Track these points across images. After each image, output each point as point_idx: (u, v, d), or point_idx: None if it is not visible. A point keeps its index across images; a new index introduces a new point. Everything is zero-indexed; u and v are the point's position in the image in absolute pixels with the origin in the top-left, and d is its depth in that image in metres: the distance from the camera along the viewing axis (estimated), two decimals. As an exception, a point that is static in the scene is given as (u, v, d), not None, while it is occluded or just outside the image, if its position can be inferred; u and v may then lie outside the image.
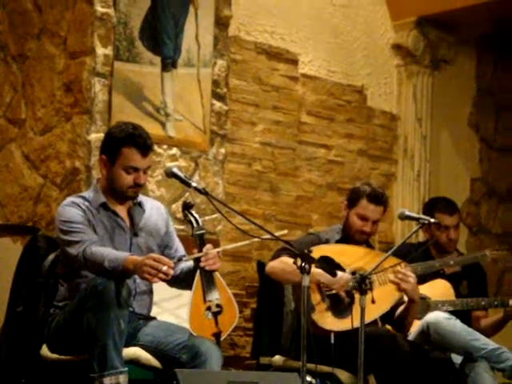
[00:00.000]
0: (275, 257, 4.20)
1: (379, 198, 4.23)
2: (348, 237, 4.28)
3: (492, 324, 4.68)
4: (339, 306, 4.04)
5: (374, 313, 4.02)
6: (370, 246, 4.36)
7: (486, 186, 6.59)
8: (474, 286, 4.78)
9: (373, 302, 3.90)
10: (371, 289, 3.80)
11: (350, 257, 4.14)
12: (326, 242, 4.26)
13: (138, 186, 3.64)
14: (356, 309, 3.85)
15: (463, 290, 4.74)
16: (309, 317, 3.81)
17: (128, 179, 3.61)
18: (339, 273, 3.91)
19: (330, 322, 4.02)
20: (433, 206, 4.90)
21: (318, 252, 3.85)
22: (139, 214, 3.72)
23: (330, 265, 3.89)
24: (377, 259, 4.01)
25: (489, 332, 4.58)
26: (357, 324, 3.73)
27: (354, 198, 4.27)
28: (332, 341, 3.92)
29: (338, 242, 4.27)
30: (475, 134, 6.57)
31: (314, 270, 3.53)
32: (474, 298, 4.59)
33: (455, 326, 4.34)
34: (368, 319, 3.82)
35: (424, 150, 6.15)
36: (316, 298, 4.05)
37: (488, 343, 4.35)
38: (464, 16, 5.97)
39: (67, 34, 4.54)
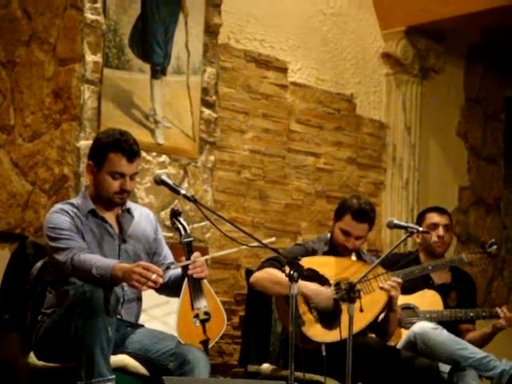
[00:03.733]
0: (260, 268, 4.21)
1: (363, 216, 4.16)
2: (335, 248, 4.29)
3: (481, 337, 4.68)
4: (327, 317, 4.05)
5: (361, 322, 4.02)
6: (360, 256, 4.37)
7: (474, 195, 6.62)
8: (462, 298, 4.78)
9: (361, 310, 3.91)
10: (359, 297, 3.81)
11: (336, 268, 4.15)
12: (313, 252, 4.25)
13: (125, 192, 3.62)
14: (344, 319, 3.85)
15: (451, 301, 4.74)
16: (298, 330, 3.82)
17: (114, 185, 3.60)
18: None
19: (319, 334, 4.02)
20: (424, 210, 4.94)
21: (303, 264, 3.87)
22: (128, 221, 3.72)
23: (314, 277, 3.90)
24: (362, 269, 4.02)
25: (477, 345, 4.57)
26: (346, 334, 3.73)
27: (340, 212, 4.24)
28: (324, 353, 3.92)
29: (325, 253, 4.27)
30: (463, 142, 6.60)
31: (299, 281, 3.53)
32: (463, 309, 4.60)
33: (442, 335, 4.35)
34: (356, 329, 3.82)
35: (412, 158, 6.17)
36: (302, 308, 4.05)
37: (475, 352, 4.35)
38: (453, 26, 6.00)
39: (57, 40, 4.54)
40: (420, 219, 4.87)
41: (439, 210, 4.88)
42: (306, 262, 3.96)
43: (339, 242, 4.22)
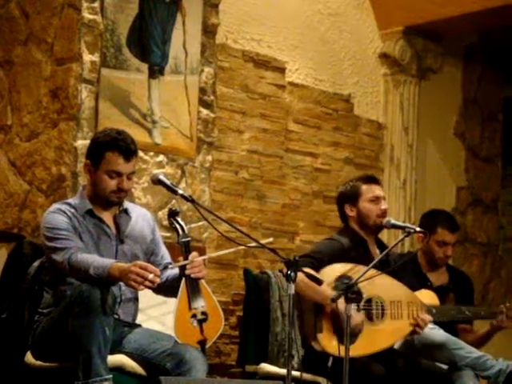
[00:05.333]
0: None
1: (373, 177, 4.31)
2: (365, 226, 4.21)
3: (478, 337, 4.67)
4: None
5: (379, 344, 3.99)
6: (381, 245, 4.31)
7: (471, 195, 6.62)
8: (460, 299, 4.75)
9: (371, 319, 3.91)
10: (356, 299, 3.80)
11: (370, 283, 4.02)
12: (343, 247, 4.16)
13: (121, 191, 3.62)
14: (362, 338, 3.83)
15: (449, 303, 4.73)
16: (314, 336, 3.86)
17: (111, 184, 3.60)
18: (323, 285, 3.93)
19: (332, 346, 3.95)
20: (436, 219, 4.78)
21: (339, 270, 3.93)
22: (125, 221, 3.71)
23: (350, 290, 3.81)
24: (396, 288, 3.98)
25: (476, 346, 4.57)
26: (356, 354, 3.72)
27: (351, 194, 4.22)
28: (329, 363, 3.89)
29: (353, 244, 4.18)
30: (461, 143, 6.60)
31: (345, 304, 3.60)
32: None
33: (439, 335, 4.36)
34: (371, 350, 3.83)
35: (410, 158, 6.18)
36: (327, 323, 3.99)
37: (472, 351, 4.36)
38: (450, 26, 6.01)
39: (54, 40, 4.54)
40: (431, 227, 4.68)
41: (453, 228, 4.75)
42: (346, 271, 3.96)
43: (376, 212, 4.16)
